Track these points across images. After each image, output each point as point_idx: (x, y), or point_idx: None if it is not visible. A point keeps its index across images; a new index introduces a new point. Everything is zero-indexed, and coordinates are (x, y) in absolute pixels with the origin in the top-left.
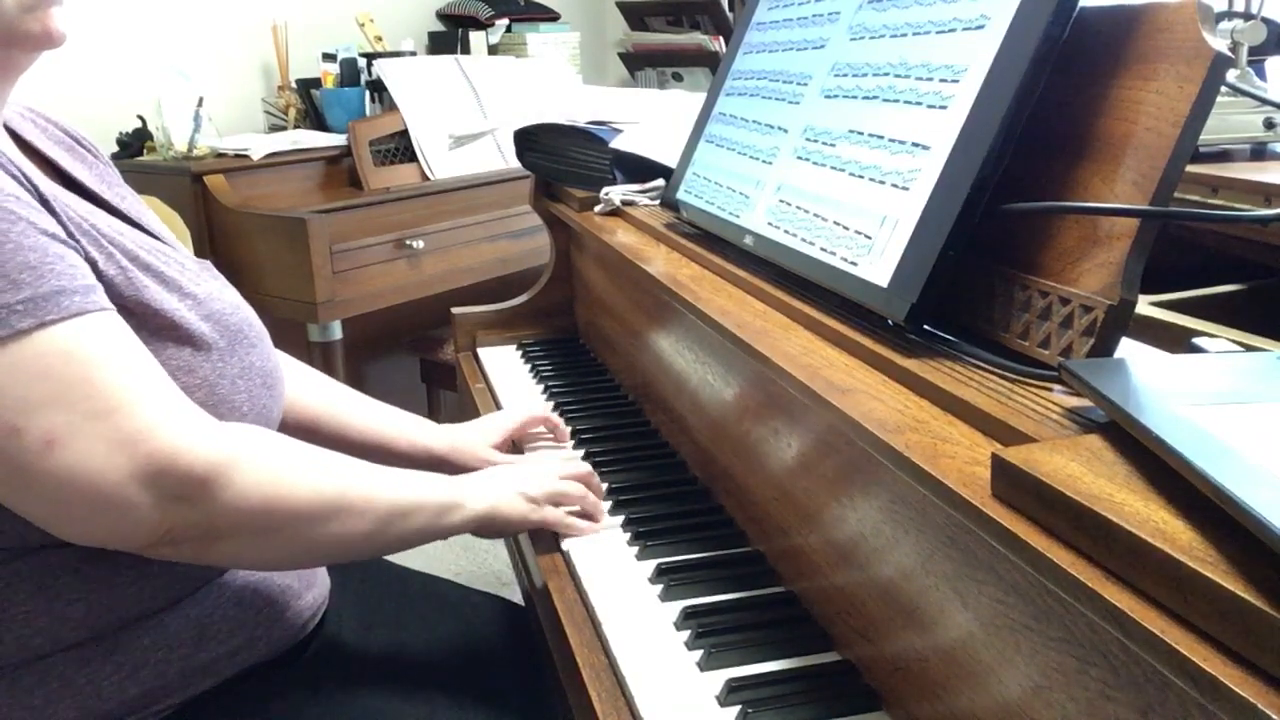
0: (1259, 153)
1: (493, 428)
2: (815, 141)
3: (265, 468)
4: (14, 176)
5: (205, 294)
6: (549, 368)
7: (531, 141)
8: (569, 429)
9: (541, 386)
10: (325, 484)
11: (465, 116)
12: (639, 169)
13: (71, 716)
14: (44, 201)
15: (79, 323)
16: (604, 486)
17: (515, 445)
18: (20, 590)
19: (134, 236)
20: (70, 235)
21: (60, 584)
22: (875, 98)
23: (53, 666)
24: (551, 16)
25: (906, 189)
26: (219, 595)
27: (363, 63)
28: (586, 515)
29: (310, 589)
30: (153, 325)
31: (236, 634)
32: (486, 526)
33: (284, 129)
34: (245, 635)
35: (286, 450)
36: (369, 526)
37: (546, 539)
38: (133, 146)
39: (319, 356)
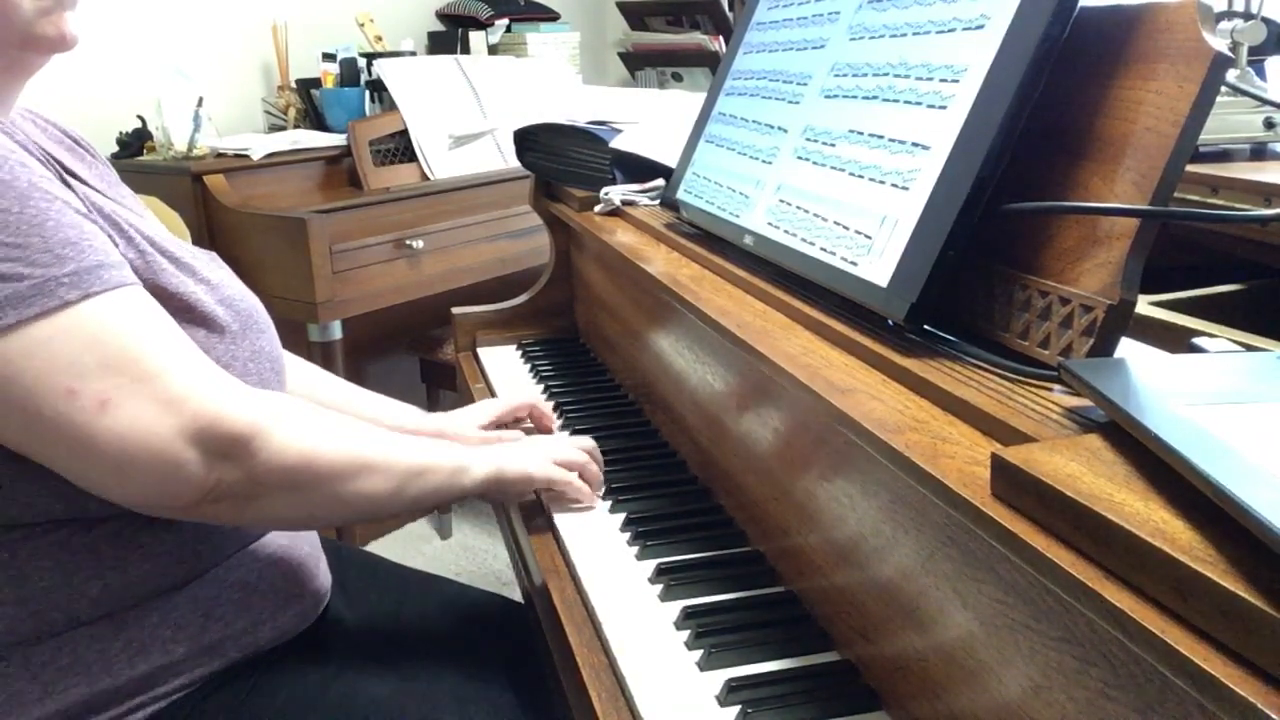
0: (1259, 153)
1: (481, 414)
2: (815, 141)
3: (299, 427)
4: (41, 161)
5: (217, 280)
6: (549, 368)
7: (531, 141)
8: (557, 419)
9: (541, 386)
10: (352, 443)
11: (465, 116)
12: (639, 169)
13: (82, 693)
14: (66, 186)
15: (119, 294)
16: (604, 487)
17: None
18: (40, 566)
19: (146, 223)
20: (93, 218)
21: (78, 562)
22: (875, 98)
23: (65, 643)
24: (551, 16)
25: (906, 189)
26: (225, 579)
27: (363, 63)
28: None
29: (313, 579)
30: (169, 307)
31: (241, 617)
32: (494, 488)
33: (284, 129)
34: (250, 619)
35: (313, 414)
36: (392, 484)
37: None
38: (133, 146)
39: (319, 356)
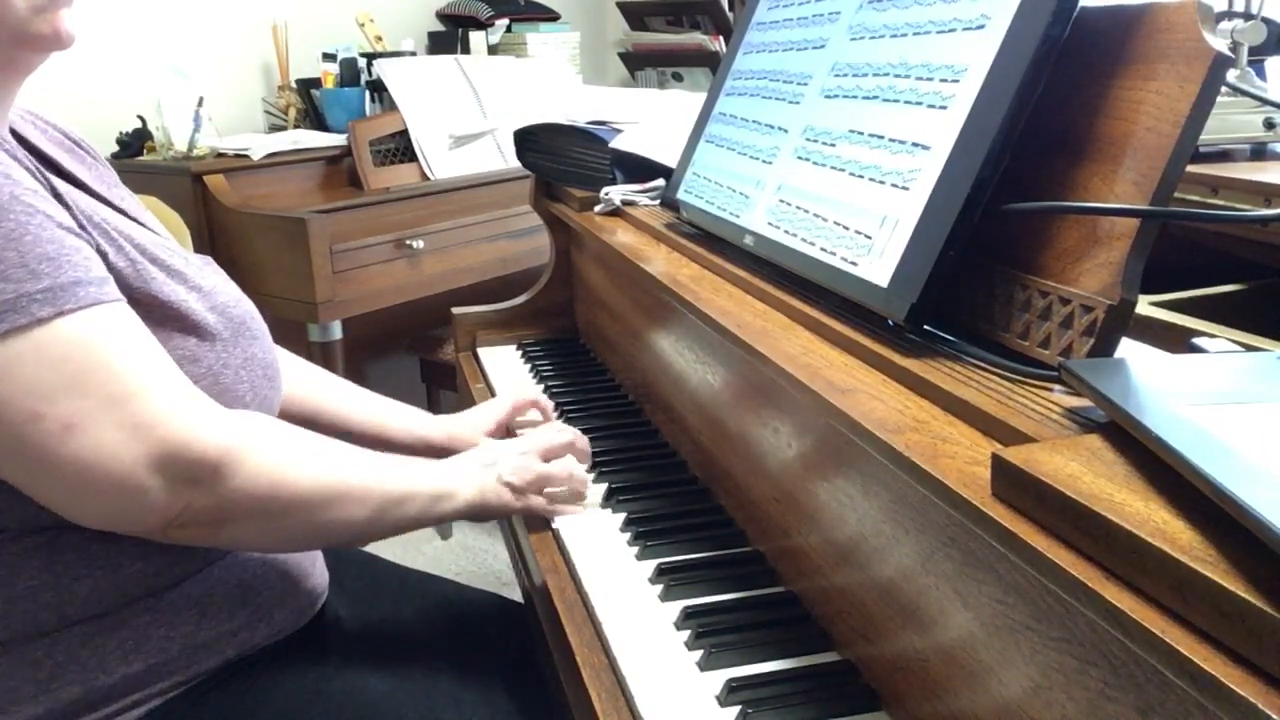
0: (1259, 153)
1: (487, 416)
2: (815, 141)
3: (272, 454)
4: (29, 171)
5: (210, 287)
6: (549, 368)
7: (531, 141)
8: (556, 413)
9: (542, 386)
10: (327, 471)
11: (465, 116)
12: (639, 169)
13: (77, 691)
14: (56, 195)
15: (95, 312)
16: (597, 482)
17: (509, 431)
18: (28, 567)
19: (139, 231)
20: (82, 228)
21: (67, 562)
22: (875, 98)
23: (58, 641)
24: (551, 16)
25: (906, 189)
26: (220, 577)
27: (363, 63)
28: (575, 494)
29: (309, 577)
30: (160, 315)
31: (237, 615)
32: (475, 514)
33: (284, 129)
34: (245, 617)
35: (291, 437)
36: (368, 513)
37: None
38: (133, 146)
39: (319, 356)
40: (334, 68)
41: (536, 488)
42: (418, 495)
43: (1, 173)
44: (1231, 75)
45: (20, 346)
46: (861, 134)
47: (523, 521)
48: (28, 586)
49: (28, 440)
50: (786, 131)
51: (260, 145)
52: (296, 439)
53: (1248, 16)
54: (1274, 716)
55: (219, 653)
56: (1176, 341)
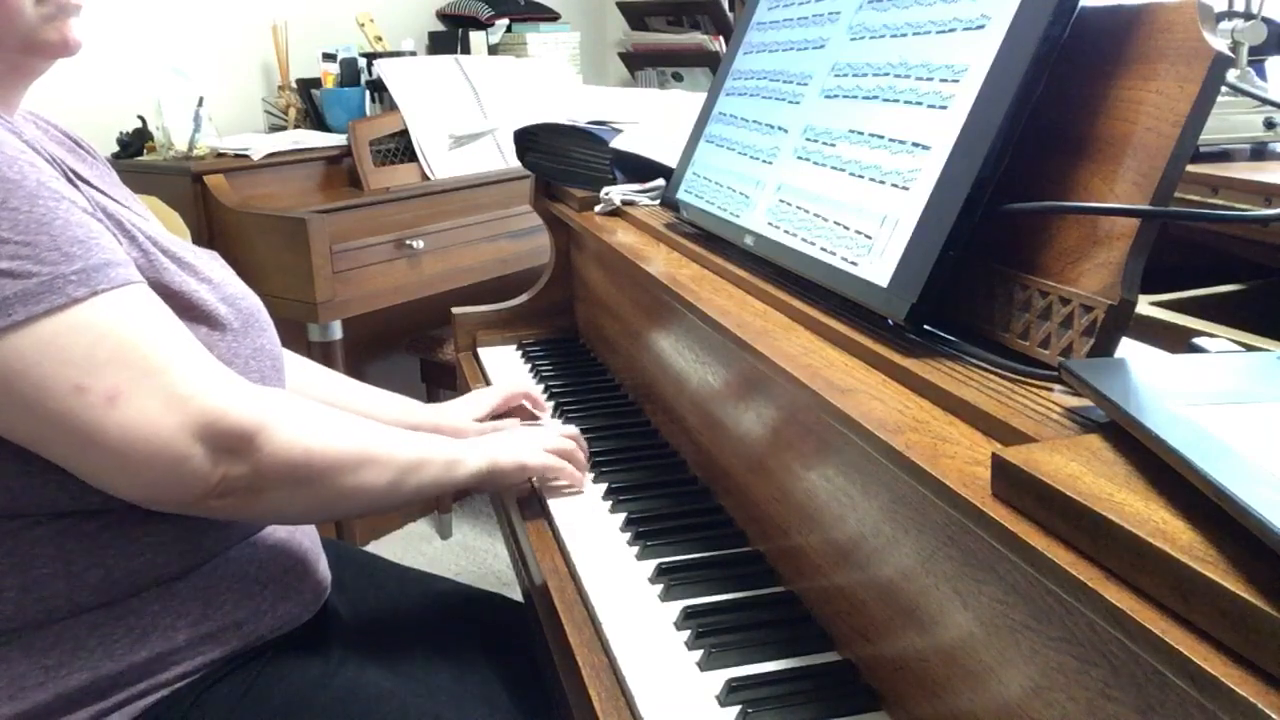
0: (1259, 153)
1: (477, 403)
2: (815, 141)
3: (301, 423)
4: (47, 161)
5: (219, 279)
6: (549, 368)
7: (531, 141)
8: (558, 419)
9: (542, 386)
10: (352, 438)
11: (465, 116)
12: (639, 169)
13: (84, 679)
14: (73, 186)
15: (125, 292)
16: (597, 481)
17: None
18: (42, 555)
19: (149, 224)
20: (97, 218)
21: (79, 550)
22: (875, 98)
23: (66, 629)
24: (551, 16)
25: (906, 189)
26: (225, 570)
27: (363, 63)
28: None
29: (313, 572)
30: (173, 305)
31: (242, 607)
32: (488, 479)
33: (284, 129)
34: (250, 609)
35: (314, 410)
36: (391, 476)
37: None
38: (133, 146)
39: (319, 356)
40: (334, 68)
41: (552, 449)
42: (433, 461)
43: (26, 161)
44: (1231, 75)
45: (59, 325)
46: (861, 134)
47: (522, 518)
48: (41, 575)
49: (74, 413)
50: (786, 131)
51: (260, 145)
52: (320, 411)
53: (1248, 16)
54: (1274, 716)
55: (224, 644)
56: (1176, 341)
